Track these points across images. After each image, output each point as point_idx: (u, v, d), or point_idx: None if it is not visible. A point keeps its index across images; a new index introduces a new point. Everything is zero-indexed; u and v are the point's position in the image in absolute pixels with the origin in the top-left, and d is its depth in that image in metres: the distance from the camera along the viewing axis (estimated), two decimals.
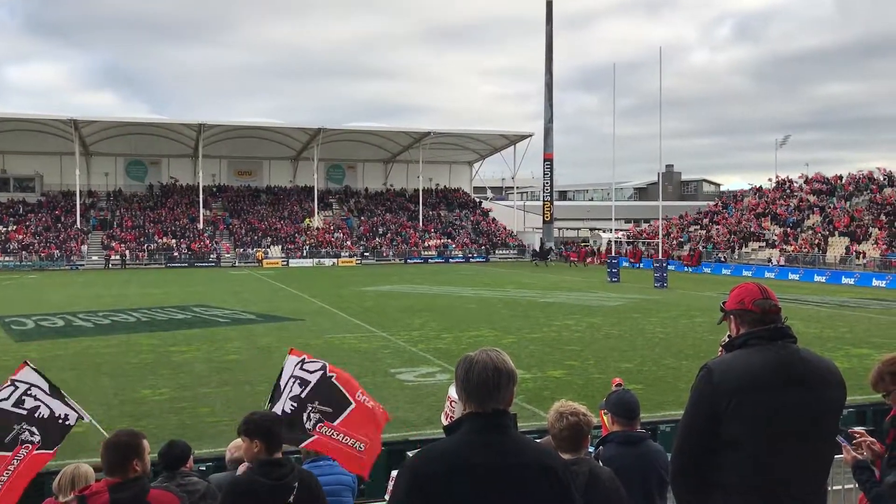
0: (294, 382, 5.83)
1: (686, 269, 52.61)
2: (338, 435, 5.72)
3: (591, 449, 3.85)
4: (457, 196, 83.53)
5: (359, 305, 30.17)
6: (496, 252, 71.53)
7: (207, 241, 66.32)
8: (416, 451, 4.81)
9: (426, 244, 71.11)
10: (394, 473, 3.85)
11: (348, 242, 69.83)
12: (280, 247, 67.28)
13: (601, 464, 3.75)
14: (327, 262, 64.92)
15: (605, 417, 4.29)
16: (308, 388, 5.78)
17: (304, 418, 5.70)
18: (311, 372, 5.84)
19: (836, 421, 2.96)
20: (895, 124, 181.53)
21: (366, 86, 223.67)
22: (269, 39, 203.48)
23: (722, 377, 2.87)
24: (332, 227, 72.54)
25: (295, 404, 5.75)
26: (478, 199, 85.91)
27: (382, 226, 74.08)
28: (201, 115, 74.01)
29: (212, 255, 64.09)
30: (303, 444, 5.66)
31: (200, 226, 68.44)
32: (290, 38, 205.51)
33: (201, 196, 69.05)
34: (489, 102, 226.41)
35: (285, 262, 63.91)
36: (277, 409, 5.69)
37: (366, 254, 68.04)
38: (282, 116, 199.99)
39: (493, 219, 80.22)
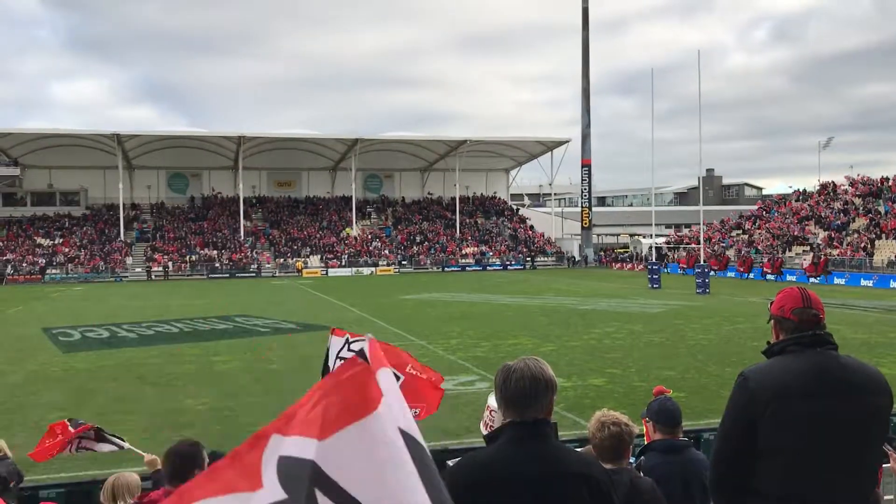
0: (337, 361, 5.77)
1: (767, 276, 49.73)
2: None
3: (632, 459, 3.80)
4: (494, 203, 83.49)
5: (397, 314, 30.25)
6: (536, 259, 71.20)
7: (248, 252, 67.14)
8: (455, 459, 4.77)
9: (463, 252, 71.14)
10: None
11: (386, 251, 70.15)
12: (319, 256, 67.85)
13: (642, 474, 3.69)
14: (366, 271, 65.30)
15: (647, 426, 4.22)
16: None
17: None
18: (354, 346, 5.79)
19: (880, 428, 2.86)
20: None
21: (400, 95, 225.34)
22: (304, 51, 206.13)
23: (758, 384, 2.84)
24: (370, 237, 72.96)
25: None
26: (515, 206, 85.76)
27: (420, 234, 74.29)
28: (240, 128, 75.27)
29: (252, 266, 64.84)
30: None
31: (241, 237, 69.33)
32: (324, 49, 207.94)
33: (242, 207, 69.97)
34: (523, 109, 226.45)
35: (324, 272, 64.42)
36: None
37: (403, 262, 68.30)
38: (319, 127, 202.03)
39: (531, 226, 79.97)
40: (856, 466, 2.79)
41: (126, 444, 6.69)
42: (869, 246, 48.48)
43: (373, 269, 65.88)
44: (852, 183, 61.40)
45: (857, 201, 57.39)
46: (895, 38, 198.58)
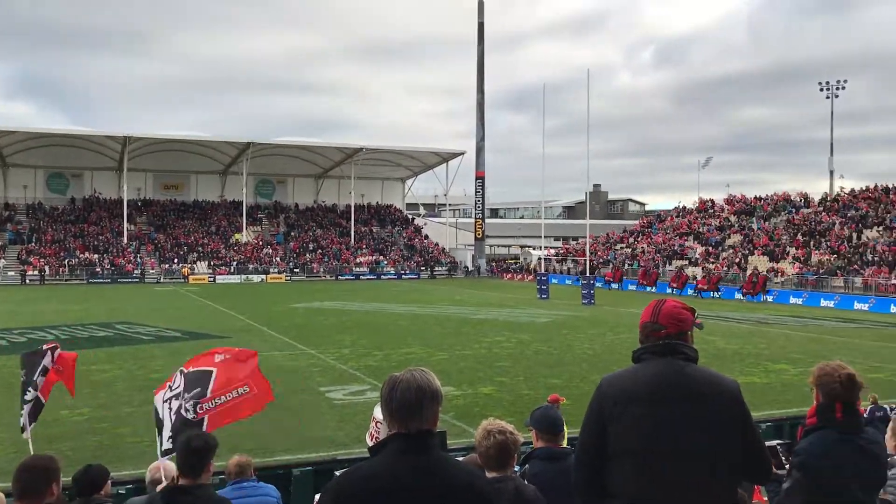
0: (166, 406, 5.99)
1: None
2: (218, 400, 5.88)
3: (517, 468, 3.88)
4: (389, 212, 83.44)
5: (288, 322, 29.75)
6: (432, 269, 71.52)
7: (132, 257, 64.52)
8: (342, 471, 4.75)
9: (358, 260, 70.72)
10: (318, 498, 3.79)
11: (278, 258, 68.91)
12: (207, 263, 65.94)
13: (526, 482, 3.77)
14: (255, 278, 63.90)
15: (530, 434, 4.33)
16: (178, 396, 5.91)
17: (185, 415, 5.80)
18: (174, 387, 5.99)
19: (726, 436, 2.90)
20: (808, 147, 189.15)
21: (295, 101, 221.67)
22: (196, 52, 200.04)
23: (609, 389, 3.01)
24: (260, 243, 71.50)
25: (174, 415, 5.87)
26: (410, 216, 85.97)
27: (313, 242, 73.39)
28: (127, 128, 72.22)
29: (136, 271, 62.35)
30: (205, 429, 5.64)
31: (125, 241, 66.55)
32: (217, 51, 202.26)
33: (125, 210, 67.19)
34: (421, 120, 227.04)
35: (212, 279, 62.64)
36: (165, 437, 5.77)
37: (295, 270, 67.23)
38: (210, 130, 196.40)
39: (426, 235, 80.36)
40: (701, 472, 2.85)
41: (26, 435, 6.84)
42: (742, 261, 51.21)
43: (263, 276, 64.52)
44: (728, 201, 64.79)
45: (733, 218, 60.55)
46: (769, 65, 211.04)
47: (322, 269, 68.18)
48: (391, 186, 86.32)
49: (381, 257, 72.27)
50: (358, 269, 69.23)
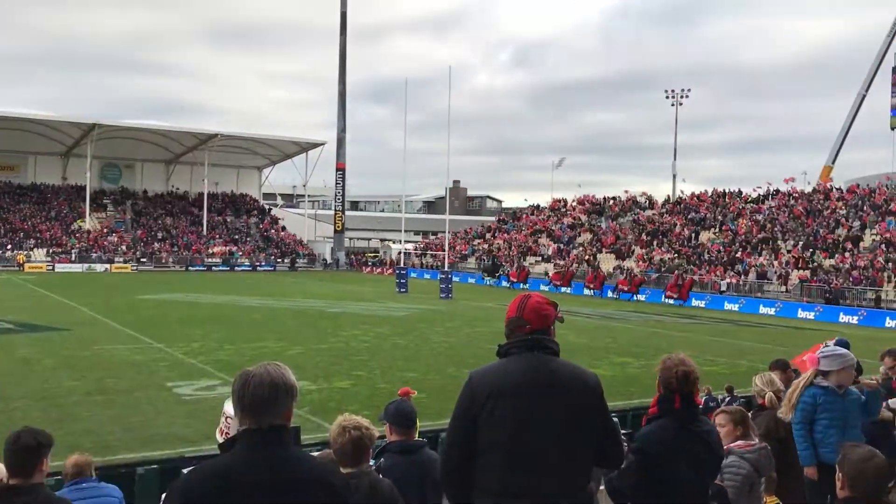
0: None
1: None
2: None
3: (372, 461, 3.85)
4: (245, 202, 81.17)
5: (133, 315, 28.33)
6: (294, 261, 70.14)
7: None
8: (191, 468, 4.55)
9: (210, 251, 68.37)
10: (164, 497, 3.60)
11: (123, 247, 65.49)
12: (45, 250, 61.73)
13: (381, 475, 3.75)
14: (99, 267, 60.48)
15: (384, 428, 4.32)
16: None
17: None
18: None
19: (588, 427, 3.03)
20: (654, 152, 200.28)
21: (145, 82, 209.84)
22: (36, 26, 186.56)
23: (478, 383, 3.06)
24: (105, 230, 67.72)
25: None
26: (267, 206, 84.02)
27: (162, 230, 70.27)
28: None
29: None
30: None
31: None
32: (60, 25, 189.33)
33: None
34: (279, 108, 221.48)
35: (51, 267, 58.73)
36: None
37: (143, 260, 64.16)
38: (52, 109, 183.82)
39: (283, 226, 78.81)
40: (564, 462, 2.97)
41: None
42: (592, 258, 53.52)
43: (108, 265, 61.15)
44: (580, 201, 67.54)
45: (584, 218, 63.18)
46: (618, 72, 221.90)
47: (172, 260, 65.45)
48: (247, 175, 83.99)
49: (236, 248, 70.25)
50: (210, 259, 66.94)
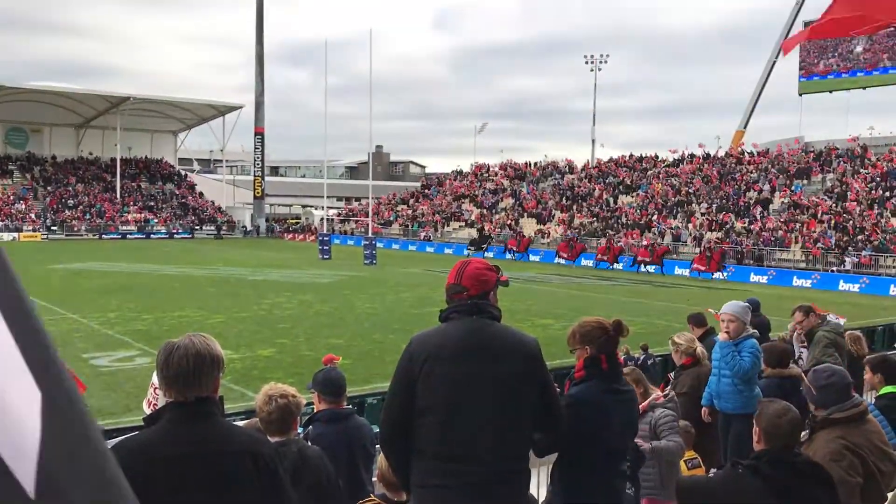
0: None
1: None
2: None
3: (300, 429, 3.85)
4: (160, 167, 78.69)
5: (45, 285, 27.28)
6: (220, 228, 68.53)
7: None
8: (112, 441, 4.45)
9: (125, 218, 66.23)
10: None
11: (32, 215, 62.78)
12: None
13: (310, 443, 3.76)
14: (6, 236, 57.85)
15: (313, 396, 4.31)
16: None
17: None
18: None
19: (526, 391, 3.07)
20: (574, 117, 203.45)
21: (51, 42, 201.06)
22: None
23: (417, 347, 3.09)
24: (12, 198, 64.72)
25: None
26: (183, 172, 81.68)
27: (73, 197, 67.63)
28: None
29: None
30: None
31: None
32: None
33: None
34: (193, 71, 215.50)
35: None
36: None
37: (53, 228, 61.70)
38: None
39: (200, 193, 76.86)
40: (501, 427, 3.00)
41: None
42: (514, 224, 54.14)
43: (15, 234, 58.58)
44: (502, 166, 68.01)
45: (506, 183, 63.71)
46: (538, 37, 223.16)
47: (84, 228, 63.14)
48: (162, 139, 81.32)
49: (151, 215, 68.23)
50: (125, 227, 64.87)
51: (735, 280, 34.39)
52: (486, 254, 46.52)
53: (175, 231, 66.35)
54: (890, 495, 3.94)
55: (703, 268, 36.37)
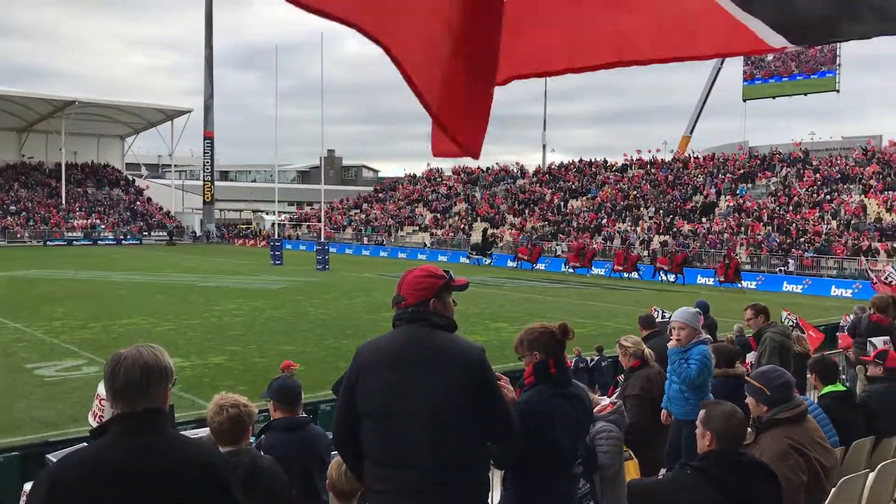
0: None
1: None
2: None
3: (253, 438, 3.81)
4: (107, 172, 77.07)
5: None
6: (171, 235, 67.26)
7: None
8: (58, 453, 4.35)
9: (70, 225, 64.68)
10: (27, 487, 3.42)
11: None
12: None
13: (263, 452, 3.72)
14: None
15: (268, 405, 4.27)
16: None
17: None
18: None
19: (460, 400, 2.98)
20: (525, 122, 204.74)
21: None
22: None
23: (358, 354, 3.14)
24: None
25: None
26: (131, 177, 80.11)
27: (16, 203, 65.81)
28: None
29: None
30: None
31: None
32: None
33: None
34: (142, 74, 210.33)
35: None
36: None
37: None
38: None
39: (149, 198, 75.48)
40: (438, 435, 2.95)
41: None
42: (467, 227, 54.31)
43: None
44: (455, 171, 68.19)
45: (459, 187, 63.89)
46: None
47: (27, 234, 61.50)
48: (109, 144, 79.67)
49: (99, 221, 66.75)
50: (71, 234, 63.36)
51: (683, 282, 34.94)
52: (486, 261, 44.52)
53: (123, 237, 65.02)
54: (833, 491, 4.05)
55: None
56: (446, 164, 70.44)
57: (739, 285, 32.88)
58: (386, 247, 55.09)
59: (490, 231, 49.55)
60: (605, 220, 47.42)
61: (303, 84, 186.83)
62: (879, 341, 6.50)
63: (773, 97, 58.08)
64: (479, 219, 55.42)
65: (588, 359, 13.65)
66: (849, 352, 9.70)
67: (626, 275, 36.85)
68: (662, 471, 5.37)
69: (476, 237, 50.49)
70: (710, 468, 3.26)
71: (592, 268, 38.99)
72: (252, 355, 16.32)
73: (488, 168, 66.23)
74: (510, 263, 43.58)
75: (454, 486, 2.99)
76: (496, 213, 54.96)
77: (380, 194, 70.14)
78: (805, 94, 54.76)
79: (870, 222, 36.79)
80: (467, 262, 43.20)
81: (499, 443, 3.21)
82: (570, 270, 39.41)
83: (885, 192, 39.01)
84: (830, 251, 35.10)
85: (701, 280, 35.36)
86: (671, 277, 35.77)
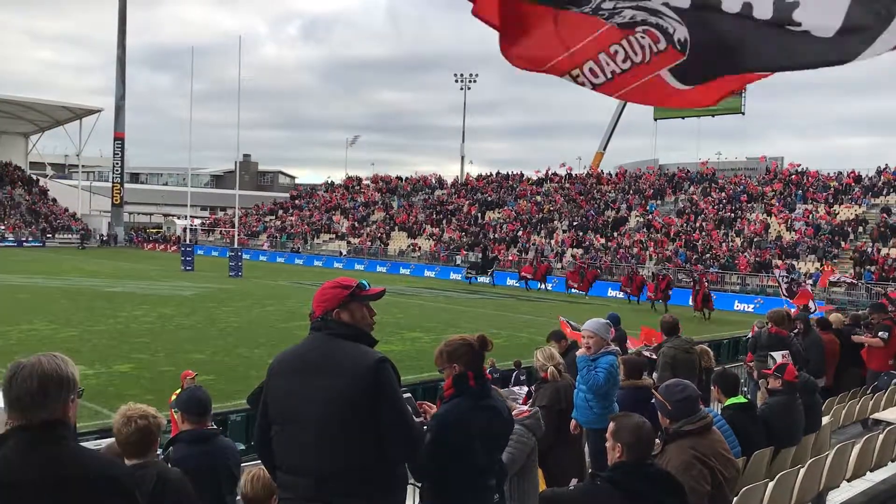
0: None
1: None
2: None
3: (159, 451, 3.69)
4: (8, 171, 73.60)
5: None
6: (83, 239, 64.50)
7: None
8: None
9: None
10: None
11: None
12: None
13: (170, 465, 3.61)
14: None
15: (175, 416, 4.14)
16: None
17: None
18: None
19: (352, 408, 2.94)
20: (444, 133, 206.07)
21: None
22: None
23: (272, 363, 3.20)
24: None
25: None
26: (35, 177, 76.72)
27: None
28: None
29: None
30: None
31: None
32: None
33: None
34: (48, 70, 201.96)
35: None
36: None
37: None
38: None
39: (54, 199, 72.45)
40: (331, 443, 2.94)
41: None
42: (385, 237, 54.18)
43: None
44: (374, 179, 68.00)
45: (378, 196, 63.72)
46: (408, 53, 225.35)
47: None
48: (11, 142, 76.19)
49: None
50: None
51: (595, 294, 35.62)
52: (482, 278, 41.24)
53: (24, 240, 62.16)
54: (735, 500, 4.20)
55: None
56: (364, 173, 70.21)
57: (707, 316, 28.31)
58: (301, 254, 54.41)
59: (491, 254, 44.72)
60: (520, 232, 48.09)
61: (219, 87, 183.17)
62: (779, 355, 6.78)
63: (683, 118, 60.08)
64: (396, 228, 55.39)
65: (501, 370, 13.80)
66: (750, 365, 10.08)
67: (636, 298, 33.60)
68: (574, 481, 5.46)
69: (475, 256, 45.66)
70: (620, 479, 3.34)
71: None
72: (160, 364, 15.83)
73: (407, 178, 66.33)
74: (510, 282, 40.37)
75: (353, 498, 2.95)
76: (414, 223, 55.04)
77: (296, 201, 69.28)
78: (713, 116, 56.86)
79: (771, 240, 38.49)
80: (459, 278, 41.39)
81: (398, 454, 3.09)
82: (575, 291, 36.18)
83: (785, 212, 40.93)
84: (734, 267, 36.50)
85: (612, 293, 36.16)
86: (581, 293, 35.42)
